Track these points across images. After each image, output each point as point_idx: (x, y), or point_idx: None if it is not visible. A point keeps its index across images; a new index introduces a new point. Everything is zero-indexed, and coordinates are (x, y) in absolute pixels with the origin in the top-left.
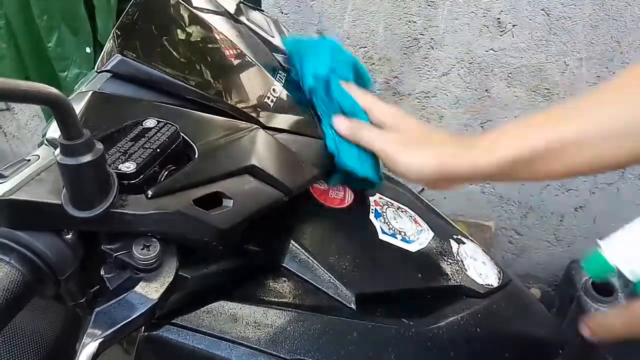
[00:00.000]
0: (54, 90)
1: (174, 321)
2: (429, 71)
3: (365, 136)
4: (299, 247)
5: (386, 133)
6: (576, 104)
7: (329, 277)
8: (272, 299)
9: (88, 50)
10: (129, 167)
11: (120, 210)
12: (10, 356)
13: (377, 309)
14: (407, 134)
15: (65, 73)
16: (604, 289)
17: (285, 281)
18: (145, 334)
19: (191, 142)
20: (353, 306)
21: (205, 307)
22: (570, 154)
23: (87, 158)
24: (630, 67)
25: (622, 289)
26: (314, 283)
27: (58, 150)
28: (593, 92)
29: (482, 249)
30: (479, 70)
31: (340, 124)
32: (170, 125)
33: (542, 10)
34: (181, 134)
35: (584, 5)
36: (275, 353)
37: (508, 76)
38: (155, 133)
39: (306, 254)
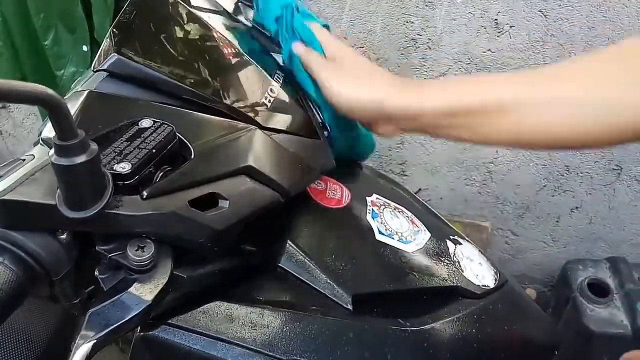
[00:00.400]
0: (49, 90)
1: (169, 321)
2: (426, 71)
3: (313, 64)
4: (295, 247)
5: (332, 64)
6: (540, 71)
7: (326, 277)
8: (269, 300)
9: (85, 48)
10: (124, 167)
11: (114, 211)
12: (4, 356)
13: (373, 310)
14: (353, 66)
15: (62, 71)
16: (599, 290)
17: (281, 281)
18: (141, 334)
19: (187, 143)
20: (349, 307)
21: (201, 307)
22: (518, 114)
23: (81, 159)
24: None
25: (618, 289)
26: (310, 283)
27: (53, 150)
28: (555, 65)
29: (479, 250)
30: (477, 70)
31: (297, 47)
32: (166, 126)
33: (539, 11)
34: (177, 134)
35: (581, 6)
36: (271, 354)
37: None
38: (151, 133)
39: (303, 254)
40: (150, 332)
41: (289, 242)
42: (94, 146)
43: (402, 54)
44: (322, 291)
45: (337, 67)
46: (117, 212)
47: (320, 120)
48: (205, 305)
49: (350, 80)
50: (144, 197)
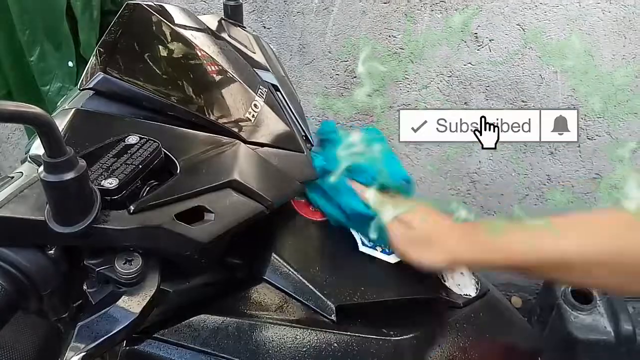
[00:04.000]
0: (38, 110)
1: (155, 335)
2: (409, 84)
3: (390, 232)
4: (280, 259)
5: (403, 231)
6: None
7: (310, 289)
8: (254, 312)
9: (70, 64)
10: (111, 183)
11: (102, 226)
12: None
13: (357, 320)
14: (420, 232)
15: (48, 87)
16: (583, 297)
17: (266, 294)
18: (127, 348)
19: (173, 158)
20: (334, 318)
21: (187, 320)
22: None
23: (70, 175)
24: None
25: (601, 296)
26: (295, 295)
27: (42, 167)
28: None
29: None
30: (458, 83)
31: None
32: (152, 142)
33: (517, 25)
34: (163, 149)
35: (557, 20)
36: None
37: (486, 89)
38: (138, 149)
39: (287, 266)
40: (136, 347)
41: (273, 254)
42: (82, 163)
43: (385, 67)
44: (306, 303)
45: (409, 234)
46: (105, 226)
47: (303, 134)
48: (191, 319)
49: (422, 248)
50: (131, 211)
